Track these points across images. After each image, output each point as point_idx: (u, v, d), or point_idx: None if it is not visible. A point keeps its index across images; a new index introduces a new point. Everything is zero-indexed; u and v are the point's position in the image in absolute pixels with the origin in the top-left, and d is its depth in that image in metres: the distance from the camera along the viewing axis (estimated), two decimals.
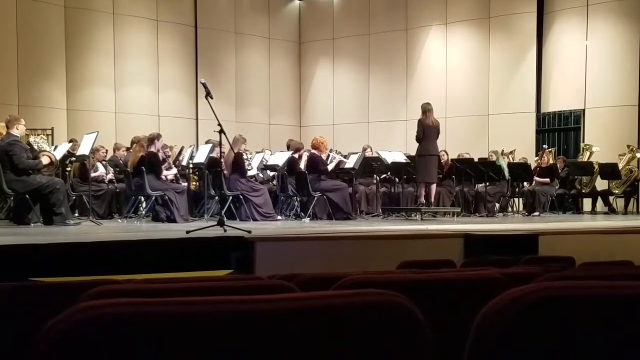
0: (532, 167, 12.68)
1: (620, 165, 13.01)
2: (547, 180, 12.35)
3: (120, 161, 11.01)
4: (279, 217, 9.83)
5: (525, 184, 12.72)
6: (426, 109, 10.12)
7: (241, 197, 9.43)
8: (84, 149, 8.88)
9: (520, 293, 1.03)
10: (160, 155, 9.43)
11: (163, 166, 9.43)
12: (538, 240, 5.94)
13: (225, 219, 6.74)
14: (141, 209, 9.94)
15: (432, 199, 10.43)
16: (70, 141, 10.86)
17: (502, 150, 12.88)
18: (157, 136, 9.36)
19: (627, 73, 14.24)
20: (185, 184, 10.01)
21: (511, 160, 13.17)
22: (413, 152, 10.72)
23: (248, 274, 4.48)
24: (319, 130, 15.65)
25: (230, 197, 9.39)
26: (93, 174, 10.01)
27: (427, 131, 10.00)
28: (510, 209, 13.06)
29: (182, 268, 4.59)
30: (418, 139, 10.12)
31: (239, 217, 9.33)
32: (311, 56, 18.24)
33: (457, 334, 1.21)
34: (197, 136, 15.65)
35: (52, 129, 12.97)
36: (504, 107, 15.53)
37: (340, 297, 1.13)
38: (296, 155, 10.64)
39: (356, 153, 11.16)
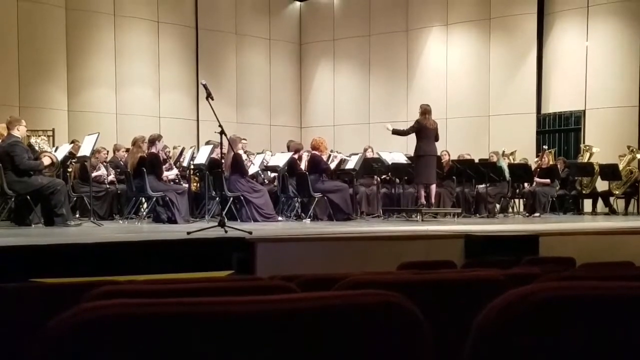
0: (533, 168, 12.68)
1: (621, 166, 13.00)
2: (548, 181, 12.34)
3: (121, 162, 11.01)
4: (279, 218, 9.82)
5: (525, 184, 12.72)
6: (426, 110, 10.11)
7: (242, 198, 9.43)
8: (85, 150, 8.88)
9: (521, 294, 1.04)
10: (161, 156, 9.43)
11: (164, 167, 9.43)
12: (539, 241, 5.94)
13: (226, 219, 6.74)
14: (142, 210, 9.94)
15: (433, 200, 10.42)
16: (71, 142, 10.87)
17: (503, 151, 12.86)
18: (158, 137, 9.36)
19: (627, 74, 14.24)
20: (186, 185, 10.01)
21: (512, 161, 13.17)
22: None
23: (249, 275, 4.48)
24: (320, 132, 15.65)
25: (231, 198, 9.39)
26: (94, 174, 10.01)
27: (424, 132, 10.00)
28: (510, 209, 13.05)
29: (183, 269, 4.60)
30: (407, 133, 10.22)
31: (240, 218, 9.33)
32: (312, 57, 18.25)
33: (458, 334, 1.21)
34: (197, 137, 15.66)
35: (53, 130, 12.99)
36: (505, 108, 15.53)
37: (340, 298, 1.13)
38: (296, 156, 10.64)
39: (357, 154, 11.17)
